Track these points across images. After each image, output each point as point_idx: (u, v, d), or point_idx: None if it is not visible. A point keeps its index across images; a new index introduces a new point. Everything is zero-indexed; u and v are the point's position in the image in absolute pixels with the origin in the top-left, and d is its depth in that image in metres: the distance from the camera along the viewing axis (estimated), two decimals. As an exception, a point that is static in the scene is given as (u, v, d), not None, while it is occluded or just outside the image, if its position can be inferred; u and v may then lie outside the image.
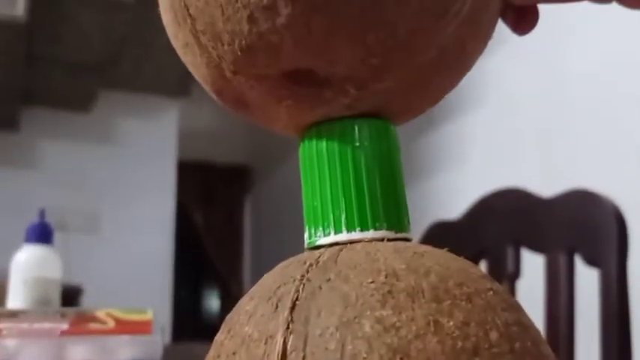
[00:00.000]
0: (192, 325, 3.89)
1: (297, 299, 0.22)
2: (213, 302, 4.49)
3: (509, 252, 0.89)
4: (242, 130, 3.46)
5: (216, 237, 4.10)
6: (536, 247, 0.87)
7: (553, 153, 1.64)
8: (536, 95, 1.70)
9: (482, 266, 0.93)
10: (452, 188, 1.99)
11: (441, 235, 0.99)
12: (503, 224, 0.91)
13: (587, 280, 0.82)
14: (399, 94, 0.25)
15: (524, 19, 0.28)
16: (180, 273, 2.76)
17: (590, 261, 0.80)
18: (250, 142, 3.85)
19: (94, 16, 1.96)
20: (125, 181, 2.50)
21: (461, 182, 1.95)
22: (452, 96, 0.27)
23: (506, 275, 0.89)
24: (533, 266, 0.89)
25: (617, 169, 1.40)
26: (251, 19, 0.23)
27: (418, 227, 1.02)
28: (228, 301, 4.14)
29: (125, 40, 2.12)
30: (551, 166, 1.63)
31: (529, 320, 0.23)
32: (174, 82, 2.46)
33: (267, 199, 3.93)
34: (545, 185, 0.94)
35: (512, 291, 0.88)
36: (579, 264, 0.81)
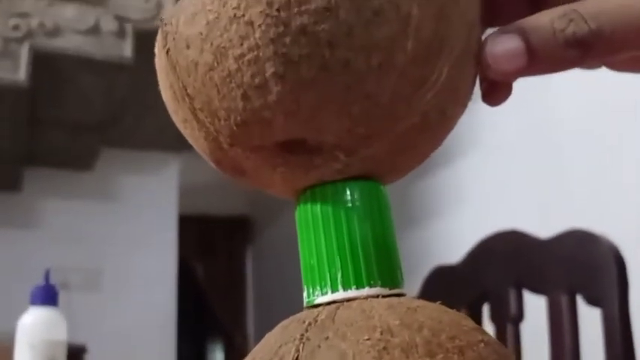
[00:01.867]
0: (197, 380, 3.82)
1: (297, 358, 0.23)
2: (217, 355, 4.43)
3: (511, 295, 0.90)
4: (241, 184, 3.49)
5: (219, 289, 4.08)
6: (537, 289, 0.88)
7: (548, 193, 1.66)
8: (529, 137, 1.72)
9: (485, 310, 0.93)
10: (450, 232, 2.00)
11: (442, 280, 0.99)
12: (504, 267, 0.92)
13: (589, 319, 0.82)
14: (387, 158, 0.27)
15: (496, 92, 0.29)
16: (183, 327, 2.73)
17: (592, 301, 0.80)
18: (250, 194, 3.87)
19: (95, 79, 2.01)
20: (127, 237, 2.51)
21: (459, 226, 1.95)
22: (446, 141, 0.29)
23: (510, 318, 0.89)
24: (535, 308, 0.90)
25: (612, 207, 1.42)
26: (245, 97, 0.25)
27: (418, 272, 1.03)
28: (233, 354, 4.09)
29: (125, 100, 2.17)
30: (547, 206, 1.64)
31: None
32: (174, 138, 2.49)
33: (268, 249, 3.92)
34: (543, 225, 0.95)
35: (516, 334, 0.88)
36: (581, 304, 0.82)
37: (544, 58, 0.25)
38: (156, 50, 0.28)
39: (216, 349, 4.41)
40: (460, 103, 0.28)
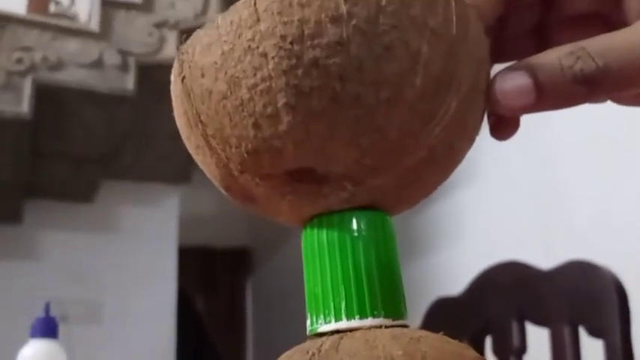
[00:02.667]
0: (195, 415, 3.76)
1: None
2: (216, 391, 4.36)
3: (514, 326, 0.89)
4: (241, 214, 3.48)
5: (219, 322, 4.03)
6: (539, 321, 0.87)
7: (549, 224, 1.66)
8: (530, 168, 1.73)
9: (488, 342, 0.93)
10: (452, 263, 1.99)
11: (444, 311, 0.99)
12: (506, 298, 0.91)
13: (592, 351, 0.81)
14: (393, 190, 0.27)
15: (503, 127, 0.30)
16: (183, 361, 2.70)
17: (594, 332, 0.80)
18: (250, 225, 3.87)
19: (97, 111, 2.02)
20: (127, 270, 2.50)
21: (460, 257, 1.95)
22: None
23: (512, 350, 0.89)
24: (538, 339, 0.89)
25: (613, 238, 1.42)
26: (256, 126, 0.26)
27: (420, 303, 1.02)
28: (232, 389, 4.02)
29: (127, 132, 2.18)
30: (548, 237, 1.64)
31: None
32: (175, 169, 2.50)
33: (268, 281, 3.90)
34: (544, 256, 0.95)
35: (519, 366, 0.88)
36: (583, 335, 0.81)
37: (552, 95, 0.26)
38: (172, 77, 0.29)
39: (215, 383, 4.34)
40: (468, 138, 0.28)
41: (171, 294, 2.59)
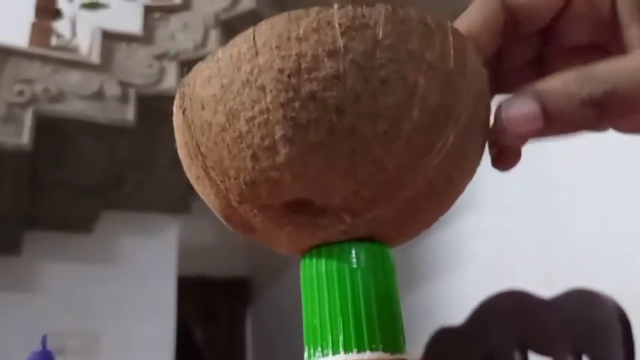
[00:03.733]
0: None
1: None
2: (216, 424, 4.30)
3: (517, 356, 0.88)
4: (241, 243, 3.47)
5: (218, 351, 3.99)
6: (542, 350, 0.86)
7: (550, 252, 1.65)
8: (530, 196, 1.73)
9: (491, 372, 0.91)
10: (452, 292, 1.98)
11: (445, 341, 0.98)
12: (507, 327, 0.91)
13: (596, 381, 0.80)
14: (392, 222, 0.27)
15: (505, 157, 0.30)
16: (181, 393, 2.66)
17: (598, 361, 0.79)
18: (249, 255, 3.85)
19: (97, 143, 2.03)
20: (126, 300, 2.48)
21: (461, 286, 1.94)
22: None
23: (516, 380, 0.87)
24: (541, 370, 0.88)
25: (615, 266, 1.41)
26: (254, 158, 0.26)
27: (421, 333, 1.01)
28: (232, 422, 3.96)
29: (126, 163, 2.18)
30: (549, 265, 1.63)
31: None
32: (175, 200, 2.50)
33: (268, 310, 3.87)
34: (546, 285, 0.95)
35: (522, 397, 0.86)
36: (588, 365, 0.81)
37: (560, 120, 0.26)
38: (174, 109, 0.29)
39: (215, 416, 4.28)
40: (467, 171, 0.28)
41: (171, 324, 2.57)
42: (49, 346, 0.82)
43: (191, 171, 0.29)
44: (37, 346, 0.80)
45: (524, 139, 0.27)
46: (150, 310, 2.51)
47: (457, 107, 0.26)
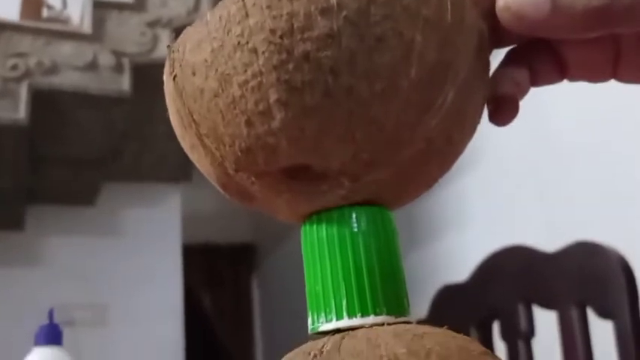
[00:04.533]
0: (207, 412, 3.78)
1: None
2: (227, 386, 4.38)
3: (521, 311, 0.89)
4: (244, 210, 3.48)
5: (226, 318, 4.05)
6: (547, 304, 0.87)
7: (554, 206, 1.65)
8: (532, 151, 1.73)
9: (495, 327, 0.92)
10: (456, 250, 1.99)
11: (450, 299, 0.99)
12: (512, 283, 0.91)
13: (601, 332, 0.81)
14: (392, 184, 0.27)
15: (503, 112, 0.29)
16: (192, 358, 2.71)
17: (603, 313, 0.80)
18: (253, 221, 3.87)
19: (94, 114, 2.02)
20: (132, 271, 2.50)
21: (464, 243, 1.95)
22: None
23: (521, 335, 0.88)
24: (546, 323, 0.89)
25: (618, 218, 1.41)
26: (248, 123, 0.25)
27: (425, 292, 1.02)
28: (243, 384, 4.04)
29: (125, 133, 2.18)
30: (553, 220, 1.63)
31: None
32: (175, 168, 2.50)
33: (274, 275, 3.90)
34: (550, 240, 0.95)
35: (527, 350, 0.88)
36: (592, 317, 0.81)
37: (565, 11, 0.25)
38: (164, 77, 0.28)
39: (226, 379, 4.36)
40: (468, 128, 0.28)
41: (178, 292, 2.60)
42: (57, 319, 0.83)
43: (185, 139, 0.28)
44: (44, 320, 0.80)
45: (524, 25, 0.26)
46: (156, 279, 2.54)
47: (456, 63, 0.25)
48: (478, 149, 1.84)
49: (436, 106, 0.25)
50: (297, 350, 0.26)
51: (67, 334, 0.85)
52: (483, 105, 0.28)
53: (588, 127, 1.53)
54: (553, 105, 1.60)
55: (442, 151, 0.27)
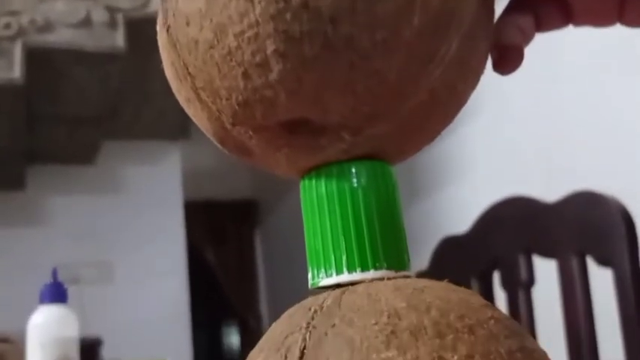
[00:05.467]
0: (214, 363, 3.87)
1: (304, 348, 0.23)
2: (232, 339, 4.47)
3: (521, 260, 0.90)
4: (245, 166, 3.48)
5: (230, 273, 4.10)
6: (547, 253, 0.88)
7: (554, 157, 1.65)
8: (533, 101, 1.71)
9: (496, 277, 0.93)
10: (456, 201, 2.00)
11: (451, 250, 0.99)
12: (512, 233, 0.91)
13: (601, 280, 0.82)
14: (393, 138, 0.26)
15: (507, 60, 0.28)
16: (197, 313, 2.75)
17: (602, 261, 0.80)
18: (254, 176, 3.87)
19: (89, 71, 2.00)
20: (135, 228, 2.51)
21: (465, 194, 1.95)
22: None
23: (521, 284, 0.89)
24: (546, 272, 0.90)
25: (618, 167, 1.41)
26: (245, 76, 0.24)
27: (426, 244, 1.03)
28: (248, 336, 4.12)
29: (121, 90, 2.16)
30: (553, 170, 1.63)
31: (533, 344, 0.23)
32: (174, 125, 2.49)
33: (276, 230, 3.93)
34: (550, 190, 0.95)
35: (527, 299, 0.89)
36: (592, 265, 0.82)
37: None
38: (157, 27, 0.27)
39: (231, 332, 4.44)
40: (472, 78, 0.27)
41: (181, 249, 2.62)
42: (61, 278, 0.84)
43: (180, 93, 0.27)
44: (48, 279, 0.81)
45: None
46: (160, 236, 2.55)
47: (460, 11, 0.24)
48: (479, 99, 1.82)
49: (440, 56, 0.24)
50: (297, 306, 0.25)
51: (72, 292, 0.86)
52: (487, 54, 0.27)
53: (590, 76, 1.52)
54: (556, 55, 1.58)
55: (445, 102, 0.26)
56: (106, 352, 2.03)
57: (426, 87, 0.25)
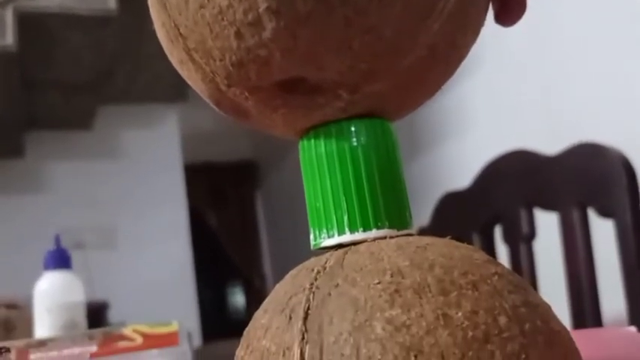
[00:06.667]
0: (220, 323, 3.93)
1: (308, 308, 0.23)
2: (238, 298, 4.53)
3: (523, 214, 0.90)
4: (244, 127, 3.46)
5: (233, 234, 4.12)
6: (548, 206, 0.88)
7: (555, 109, 1.64)
8: (534, 53, 1.69)
9: (497, 231, 0.93)
10: (457, 156, 1.99)
11: (452, 205, 0.99)
12: (513, 187, 0.91)
13: (602, 231, 0.82)
14: (393, 94, 0.26)
15: (509, 11, 0.27)
16: (201, 275, 2.78)
17: (604, 213, 0.80)
18: (254, 137, 3.86)
19: (82, 35, 1.97)
20: (135, 193, 2.52)
21: (466, 149, 1.95)
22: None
23: (522, 237, 0.89)
24: (547, 225, 0.90)
25: (620, 118, 1.40)
26: (238, 35, 0.23)
27: (428, 199, 1.03)
28: (253, 295, 4.17)
29: (116, 53, 2.13)
30: (554, 123, 1.62)
31: (537, 298, 0.23)
32: (170, 88, 2.47)
33: (277, 190, 3.94)
34: (551, 143, 0.94)
35: (529, 253, 0.89)
36: (593, 217, 0.82)
37: None
38: None
39: (237, 292, 4.50)
40: (471, 32, 0.26)
41: (183, 212, 2.63)
42: (65, 244, 0.84)
43: (173, 55, 0.27)
44: (51, 245, 0.81)
45: None
46: (161, 200, 2.56)
47: None
48: (478, 52, 1.80)
49: (438, 10, 0.24)
50: (300, 267, 0.25)
51: (76, 257, 0.86)
52: (487, 5, 0.27)
53: (591, 29, 1.49)
54: (556, 5, 1.55)
55: (445, 57, 0.25)
56: (112, 315, 2.06)
57: (425, 42, 0.24)
